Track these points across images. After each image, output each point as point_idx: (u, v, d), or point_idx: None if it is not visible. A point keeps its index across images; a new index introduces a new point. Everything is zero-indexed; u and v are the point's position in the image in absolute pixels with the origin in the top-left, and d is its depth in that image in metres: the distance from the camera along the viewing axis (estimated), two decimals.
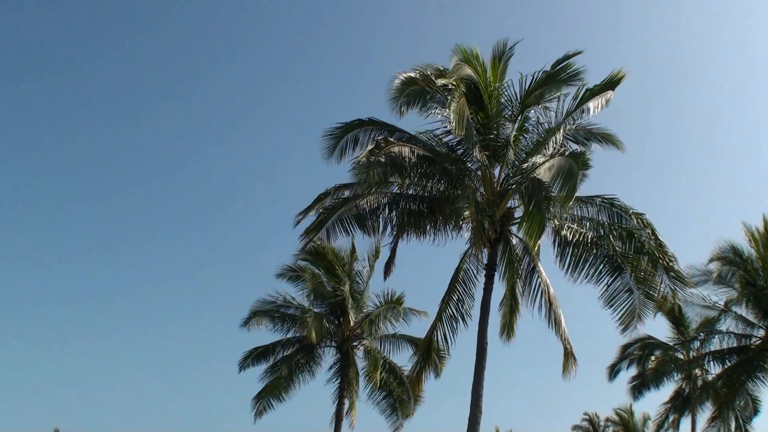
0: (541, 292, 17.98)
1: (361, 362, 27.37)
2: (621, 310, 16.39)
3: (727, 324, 28.93)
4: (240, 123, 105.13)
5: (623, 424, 49.37)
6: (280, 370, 26.82)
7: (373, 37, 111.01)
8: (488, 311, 17.51)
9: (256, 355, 27.40)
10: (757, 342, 28.20)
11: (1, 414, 63.23)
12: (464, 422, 16.96)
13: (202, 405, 71.43)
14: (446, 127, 17.69)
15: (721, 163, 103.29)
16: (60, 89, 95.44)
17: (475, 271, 18.05)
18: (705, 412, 32.06)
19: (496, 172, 17.86)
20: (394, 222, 18.20)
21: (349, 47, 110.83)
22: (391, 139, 17.29)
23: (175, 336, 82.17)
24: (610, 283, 16.67)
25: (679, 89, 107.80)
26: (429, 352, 17.96)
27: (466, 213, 15.40)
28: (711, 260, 27.78)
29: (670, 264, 16.50)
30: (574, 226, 17.30)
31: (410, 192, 18.19)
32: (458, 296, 17.81)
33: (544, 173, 15.37)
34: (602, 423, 53.87)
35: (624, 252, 16.72)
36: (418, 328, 30.03)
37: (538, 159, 17.29)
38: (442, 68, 17.57)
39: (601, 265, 16.80)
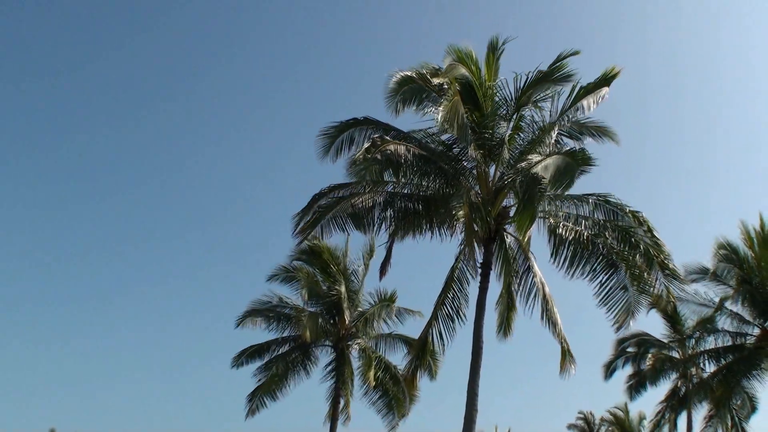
0: (536, 290, 18.01)
1: (356, 361, 27.38)
2: (616, 309, 16.41)
3: (722, 322, 28.98)
4: (240, 123, 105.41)
5: (618, 423, 49.39)
6: (275, 368, 26.74)
7: (373, 37, 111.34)
8: (484, 310, 17.50)
9: (250, 353, 27.33)
10: (753, 340, 28.25)
11: (0, 414, 63.30)
12: (460, 421, 16.98)
13: (201, 405, 71.61)
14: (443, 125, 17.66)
15: (720, 162, 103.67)
16: (60, 89, 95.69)
17: (470, 270, 18.05)
18: (701, 411, 32.06)
19: (492, 170, 17.87)
20: (389, 221, 18.17)
21: (349, 47, 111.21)
22: (387, 138, 17.26)
23: (175, 336, 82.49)
24: (605, 281, 16.70)
25: (679, 89, 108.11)
26: (424, 351, 17.93)
27: (460, 212, 15.39)
28: (710, 258, 27.90)
29: (665, 262, 16.52)
30: (570, 224, 17.30)
31: (405, 191, 18.16)
32: (453, 295, 17.80)
33: (540, 172, 15.38)
34: (597, 422, 53.89)
35: (619, 250, 16.73)
36: (413, 329, 30.02)
37: (534, 157, 17.29)
38: (437, 67, 17.57)
39: (596, 263, 16.81)
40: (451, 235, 18.23)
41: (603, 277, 16.73)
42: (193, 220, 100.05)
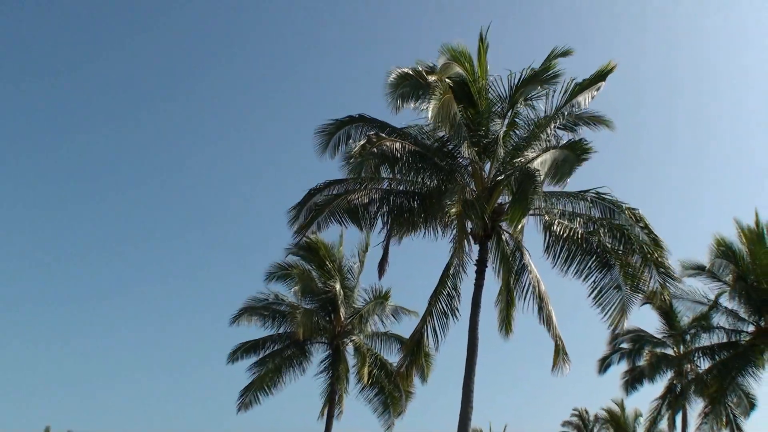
0: (532, 288, 18.06)
1: (351, 359, 27.35)
2: (610, 308, 16.41)
3: (718, 319, 29.02)
4: (240, 123, 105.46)
5: (614, 420, 49.44)
6: (270, 364, 26.72)
7: (373, 36, 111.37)
8: (479, 307, 17.51)
9: (246, 349, 27.28)
10: (747, 337, 28.31)
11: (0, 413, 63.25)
12: (455, 419, 16.99)
13: (201, 405, 71.73)
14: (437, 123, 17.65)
15: (715, 159, 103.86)
16: (60, 89, 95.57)
17: (465, 267, 18.04)
18: (697, 408, 32.13)
19: (487, 167, 17.87)
20: (386, 217, 18.18)
21: (348, 47, 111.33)
22: (383, 135, 17.28)
23: (174, 336, 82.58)
24: (599, 280, 16.71)
25: (674, 86, 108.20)
26: (419, 346, 17.90)
27: (453, 210, 15.41)
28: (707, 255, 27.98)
29: (660, 259, 16.53)
30: (565, 222, 17.32)
31: (401, 188, 18.18)
32: (448, 291, 17.77)
33: (537, 167, 15.40)
34: (591, 419, 53.96)
35: (613, 247, 16.75)
36: (409, 329, 29.99)
37: (530, 153, 17.31)
38: (431, 65, 17.63)
39: (590, 261, 16.82)
40: (449, 230, 18.24)
41: (597, 276, 16.73)
42: (192, 220, 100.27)
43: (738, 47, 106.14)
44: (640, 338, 36.49)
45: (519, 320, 19.41)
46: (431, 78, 17.01)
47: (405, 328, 27.85)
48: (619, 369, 37.38)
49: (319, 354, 27.62)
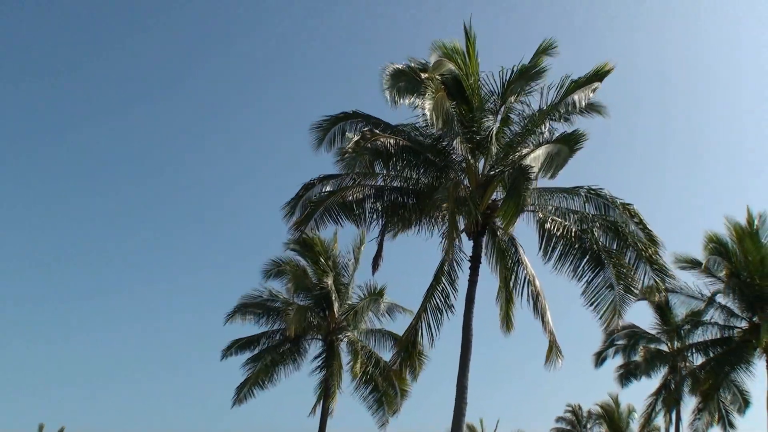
0: (527, 283, 18.08)
1: (346, 356, 27.27)
2: (602, 308, 16.43)
3: (711, 314, 29.07)
4: (240, 122, 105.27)
5: (608, 415, 49.52)
6: (264, 360, 26.68)
7: (372, 35, 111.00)
8: (473, 303, 17.51)
9: (240, 345, 27.27)
10: (740, 334, 28.40)
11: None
12: (449, 415, 17.01)
13: (197, 403, 71.76)
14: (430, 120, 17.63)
15: (709, 155, 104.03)
16: (60, 89, 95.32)
17: (460, 263, 18.04)
18: (690, 404, 32.20)
19: (481, 164, 17.86)
20: (380, 213, 18.18)
21: (348, 46, 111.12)
22: (377, 131, 17.28)
23: (173, 335, 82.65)
24: (591, 279, 16.72)
25: (668, 83, 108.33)
26: (414, 342, 17.90)
27: (444, 206, 15.40)
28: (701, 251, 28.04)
29: (654, 257, 16.55)
30: (558, 219, 17.32)
31: (395, 184, 18.16)
32: (443, 287, 17.75)
33: (530, 162, 15.37)
34: (585, 415, 54.06)
35: (607, 245, 16.75)
36: (404, 327, 29.94)
37: (524, 149, 17.29)
38: (424, 62, 17.60)
39: (584, 260, 16.84)
40: (442, 228, 18.21)
41: (589, 275, 16.75)
42: (192, 220, 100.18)
43: (733, 45, 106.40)
44: (634, 334, 36.59)
45: (515, 315, 19.44)
46: (424, 75, 16.98)
47: (400, 326, 27.86)
48: (614, 363, 37.59)
49: (313, 350, 27.65)
